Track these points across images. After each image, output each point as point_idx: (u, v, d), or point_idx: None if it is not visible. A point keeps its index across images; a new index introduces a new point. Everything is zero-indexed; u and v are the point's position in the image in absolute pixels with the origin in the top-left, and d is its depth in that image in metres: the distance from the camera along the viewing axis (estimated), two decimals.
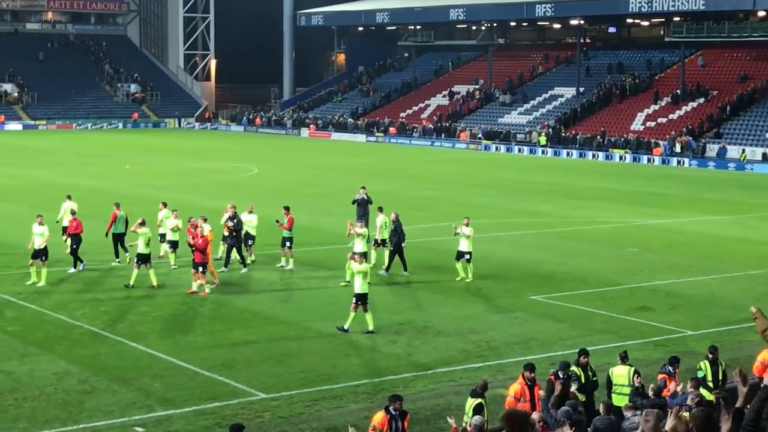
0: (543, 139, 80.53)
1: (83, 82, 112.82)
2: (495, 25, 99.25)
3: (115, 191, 49.43)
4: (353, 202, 35.97)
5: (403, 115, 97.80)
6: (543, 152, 79.61)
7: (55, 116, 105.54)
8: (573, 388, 16.49)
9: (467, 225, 30.14)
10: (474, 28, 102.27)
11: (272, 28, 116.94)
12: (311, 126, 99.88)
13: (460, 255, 30.21)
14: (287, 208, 31.90)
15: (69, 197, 34.28)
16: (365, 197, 35.49)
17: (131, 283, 28.34)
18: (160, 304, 26.85)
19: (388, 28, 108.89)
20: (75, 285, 28.91)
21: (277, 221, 31.53)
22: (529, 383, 16.38)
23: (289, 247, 31.47)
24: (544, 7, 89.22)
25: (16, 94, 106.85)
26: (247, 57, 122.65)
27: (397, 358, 22.26)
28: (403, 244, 31.06)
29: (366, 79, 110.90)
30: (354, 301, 23.94)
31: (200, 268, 27.79)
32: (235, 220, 30.90)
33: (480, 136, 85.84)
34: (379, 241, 31.91)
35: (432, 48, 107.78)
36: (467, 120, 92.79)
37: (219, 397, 19.51)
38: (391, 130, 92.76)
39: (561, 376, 16.38)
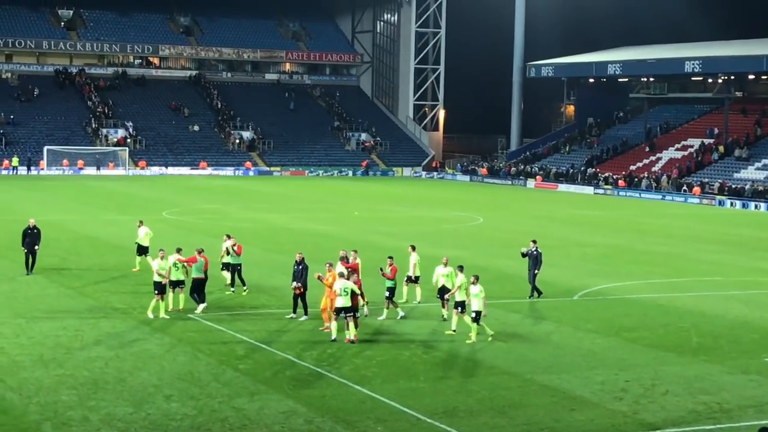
0: None
1: (316, 130, 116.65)
2: (732, 77, 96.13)
3: (344, 237, 50.57)
4: (523, 255, 35.35)
5: (633, 167, 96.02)
6: None
7: (289, 163, 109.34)
8: None
9: (474, 284, 28.24)
10: (710, 80, 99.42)
11: (501, 80, 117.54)
12: (538, 177, 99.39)
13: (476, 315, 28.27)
14: (391, 258, 31.53)
15: (141, 222, 39.09)
16: (534, 251, 34.80)
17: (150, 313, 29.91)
18: (385, 349, 27.04)
19: (619, 80, 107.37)
20: (302, 326, 29.55)
21: (381, 270, 30.99)
22: None
23: (388, 298, 30.49)
24: None
25: (253, 141, 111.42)
26: (475, 108, 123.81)
27: (623, 416, 21.57)
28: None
29: (595, 130, 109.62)
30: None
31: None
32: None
33: (715, 191, 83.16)
34: (413, 278, 32.87)
35: (665, 100, 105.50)
36: (701, 174, 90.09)
37: None
38: (620, 182, 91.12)
39: None
